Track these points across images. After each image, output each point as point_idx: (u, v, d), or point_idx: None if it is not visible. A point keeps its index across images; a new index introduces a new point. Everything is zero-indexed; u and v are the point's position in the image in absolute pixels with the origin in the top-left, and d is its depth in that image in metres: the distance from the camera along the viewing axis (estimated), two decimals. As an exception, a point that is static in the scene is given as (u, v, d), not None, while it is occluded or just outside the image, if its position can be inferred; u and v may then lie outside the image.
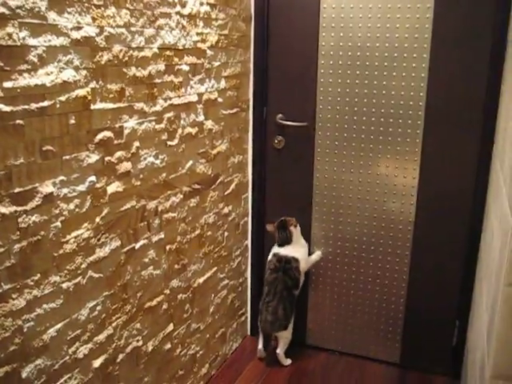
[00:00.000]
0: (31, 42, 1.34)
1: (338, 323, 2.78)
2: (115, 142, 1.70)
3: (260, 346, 2.70)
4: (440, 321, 2.57)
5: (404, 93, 2.37)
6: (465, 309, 2.49)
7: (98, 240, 1.69)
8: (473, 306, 2.38)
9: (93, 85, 1.57)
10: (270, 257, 2.64)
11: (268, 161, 2.72)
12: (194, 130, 2.15)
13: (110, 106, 1.66)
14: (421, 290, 2.56)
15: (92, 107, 1.58)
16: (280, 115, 2.63)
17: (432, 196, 2.44)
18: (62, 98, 1.46)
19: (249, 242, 2.83)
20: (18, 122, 1.33)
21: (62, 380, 1.61)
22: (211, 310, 2.50)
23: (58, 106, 1.45)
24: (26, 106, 1.35)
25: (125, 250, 1.82)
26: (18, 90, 1.32)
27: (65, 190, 1.52)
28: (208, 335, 2.50)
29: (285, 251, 2.58)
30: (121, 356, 1.88)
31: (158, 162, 1.94)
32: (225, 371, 2.66)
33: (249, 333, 2.98)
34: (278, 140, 2.66)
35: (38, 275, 1.47)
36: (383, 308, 2.66)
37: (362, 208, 2.57)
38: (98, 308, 1.73)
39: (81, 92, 1.52)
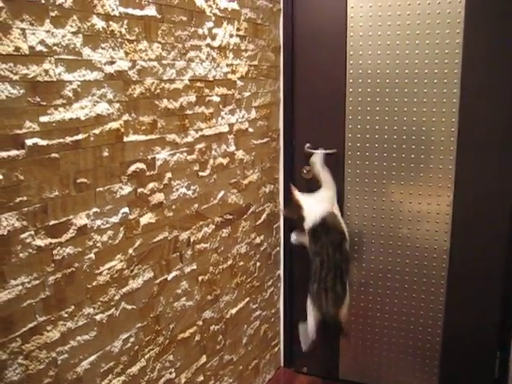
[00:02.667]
0: (66, 77, 1.37)
1: (373, 356, 2.71)
2: (148, 173, 1.71)
3: (312, 334, 2.35)
4: (480, 352, 2.49)
5: (435, 118, 2.34)
6: (506, 339, 2.41)
7: (131, 271, 1.69)
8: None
9: (126, 117, 1.59)
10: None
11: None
12: (225, 161, 2.16)
13: (143, 137, 1.68)
14: (459, 321, 2.48)
15: (125, 139, 1.60)
16: (308, 144, 2.61)
17: (467, 223, 2.39)
18: (96, 131, 1.48)
19: (281, 271, 2.80)
20: (53, 155, 1.36)
21: (95, 413, 1.60)
22: (244, 341, 2.47)
23: (91, 138, 1.47)
24: (61, 140, 1.37)
25: (157, 281, 1.82)
26: (54, 124, 1.34)
27: (98, 222, 1.53)
28: (241, 367, 2.47)
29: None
30: (154, 389, 1.86)
31: (189, 192, 1.95)
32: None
33: (282, 364, 2.93)
34: (306, 170, 2.63)
35: (72, 307, 1.48)
36: (419, 339, 2.58)
37: (394, 237, 2.52)
38: (131, 340, 1.72)
39: (114, 125, 1.55)
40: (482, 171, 2.32)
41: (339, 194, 2.54)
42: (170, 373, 1.95)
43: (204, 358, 2.15)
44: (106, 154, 1.53)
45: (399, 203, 2.48)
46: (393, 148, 2.44)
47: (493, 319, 2.43)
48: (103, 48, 1.49)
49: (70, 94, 1.39)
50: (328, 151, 2.55)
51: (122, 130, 1.58)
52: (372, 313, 2.64)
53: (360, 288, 2.63)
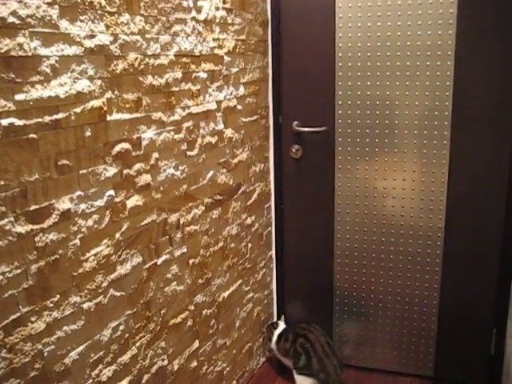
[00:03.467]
0: (43, 51, 1.28)
1: (367, 339, 2.66)
2: (133, 153, 1.63)
3: None
4: (476, 330, 2.45)
5: (429, 93, 2.27)
6: (502, 316, 2.37)
7: (119, 257, 1.61)
8: (511, 312, 2.26)
9: (108, 95, 1.50)
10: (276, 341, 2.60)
11: (285, 171, 2.62)
12: (213, 139, 2.08)
13: (127, 116, 1.59)
14: (454, 299, 2.44)
15: (108, 118, 1.51)
16: (296, 122, 2.52)
17: (462, 200, 2.33)
18: (77, 110, 1.39)
19: (273, 252, 2.74)
20: (31, 135, 1.27)
21: (85, 405, 1.54)
22: (237, 325, 2.42)
23: (72, 117, 1.38)
24: (40, 119, 1.29)
25: (147, 266, 1.75)
26: (31, 103, 1.26)
27: (83, 206, 1.45)
28: (234, 351, 2.42)
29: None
30: (146, 377, 1.80)
31: (178, 173, 1.87)
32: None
33: (276, 346, 2.89)
34: (295, 149, 2.55)
35: (58, 296, 1.40)
36: (414, 320, 2.54)
37: (388, 216, 2.46)
38: (121, 328, 1.66)
39: (96, 103, 1.46)
40: (478, 147, 2.26)
41: (330, 174, 2.48)
42: (163, 360, 1.89)
43: (197, 343, 2.10)
44: (88, 133, 1.44)
45: (392, 181, 2.41)
46: (385, 124, 2.37)
47: (489, 297, 2.39)
48: (82, 21, 1.39)
49: (48, 70, 1.30)
50: (317, 129, 2.47)
51: (105, 108, 1.49)
52: (366, 294, 2.60)
53: (353, 269, 2.58)
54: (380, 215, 2.46)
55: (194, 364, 2.09)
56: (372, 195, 2.46)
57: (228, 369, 2.37)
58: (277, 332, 2.59)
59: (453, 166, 2.31)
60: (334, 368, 2.32)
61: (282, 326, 2.61)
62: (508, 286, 2.34)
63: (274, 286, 2.79)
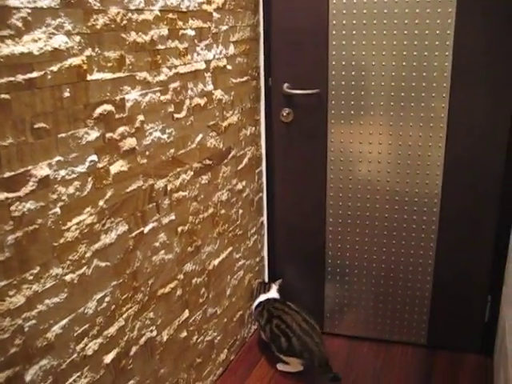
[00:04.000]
0: (12, 2, 1.16)
1: (359, 307, 2.60)
2: (116, 116, 1.53)
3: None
4: (470, 297, 2.41)
5: (428, 53, 2.16)
6: (497, 282, 2.33)
7: (103, 225, 1.53)
8: (506, 279, 2.22)
9: (88, 52, 1.39)
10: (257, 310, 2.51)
11: (275, 136, 2.48)
12: (202, 101, 1.97)
13: (109, 76, 1.48)
14: (449, 266, 2.38)
15: (88, 78, 1.40)
16: (287, 84, 2.39)
17: (460, 165, 2.24)
18: (54, 68, 1.28)
19: (264, 218, 2.67)
20: (3, 96, 1.16)
21: (70, 380, 1.47)
22: (228, 293, 2.36)
23: (49, 77, 1.27)
24: (12, 78, 1.18)
25: (133, 234, 1.67)
26: (1, 60, 1.15)
27: (62, 172, 1.35)
28: (225, 319, 2.36)
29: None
30: (134, 349, 1.74)
31: (165, 136, 1.77)
32: (244, 355, 2.52)
33: (267, 313, 2.84)
34: (285, 113, 2.42)
35: (38, 268, 1.32)
36: (408, 288, 2.48)
37: (382, 182, 2.37)
38: (107, 299, 1.58)
39: (75, 61, 1.35)
40: (478, 109, 2.17)
41: (322, 139, 2.38)
42: (151, 331, 1.82)
43: (186, 313, 2.03)
44: (67, 94, 1.33)
45: (388, 146, 2.31)
46: (381, 86, 2.25)
47: (484, 263, 2.34)
48: (57, -30, 1.27)
49: (19, 24, 1.18)
50: (310, 91, 2.34)
51: (85, 66, 1.38)
52: (359, 261, 2.53)
53: (346, 236, 2.50)
54: (374, 181, 2.37)
55: (184, 334, 2.03)
56: (366, 160, 2.36)
57: (219, 338, 2.32)
58: (262, 297, 2.51)
59: (451, 130, 2.21)
60: (316, 345, 2.25)
61: (272, 293, 2.53)
62: (504, 252, 2.28)
63: (265, 253, 2.73)
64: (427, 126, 2.23)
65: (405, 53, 2.18)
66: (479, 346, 2.46)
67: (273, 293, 2.53)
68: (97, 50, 1.42)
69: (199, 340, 2.15)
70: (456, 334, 2.48)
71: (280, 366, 2.40)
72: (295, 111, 2.42)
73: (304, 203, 2.52)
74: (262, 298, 2.51)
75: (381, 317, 2.57)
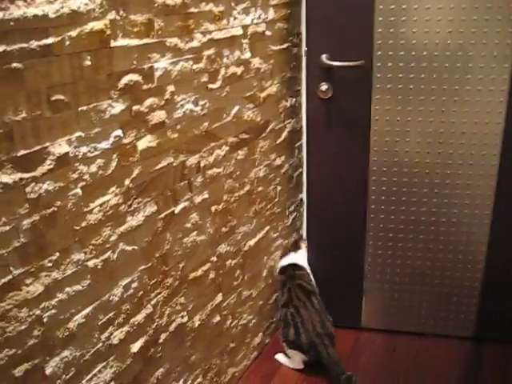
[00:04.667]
0: (25, -42, 1.03)
1: (400, 299, 2.36)
2: (144, 86, 1.39)
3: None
4: None
5: (488, 30, 1.88)
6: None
7: (130, 206, 1.41)
8: None
9: (112, 16, 1.25)
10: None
11: (311, 114, 2.15)
12: (239, 70, 1.82)
13: (136, 42, 1.34)
14: (503, 252, 2.16)
15: (112, 44, 1.26)
16: (325, 55, 2.04)
17: None
18: (73, 33, 1.15)
19: (304, 195, 2.52)
20: (14, 65, 1.04)
21: (95, 371, 1.38)
22: (264, 274, 2.23)
23: (67, 43, 1.14)
24: (25, 45, 1.05)
25: (162, 215, 1.54)
26: (11, 23, 1.01)
27: (84, 149, 1.23)
28: (261, 302, 2.25)
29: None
30: (163, 336, 1.64)
31: (197, 109, 1.63)
32: (280, 339, 2.40)
33: (305, 294, 2.71)
34: (324, 88, 2.08)
35: (57, 254, 1.21)
36: (456, 277, 2.26)
37: (431, 164, 2.12)
38: (134, 285, 1.47)
39: (97, 25, 1.21)
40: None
41: (366, 116, 2.11)
42: (182, 316, 1.72)
43: (220, 297, 1.92)
44: (87, 63, 1.20)
45: (440, 123, 2.05)
46: (434, 56, 1.98)
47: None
48: None
49: (32, -18, 1.05)
50: (352, 63, 2.02)
51: (108, 31, 1.24)
52: (403, 251, 2.27)
53: (389, 223, 2.24)
54: (423, 161, 2.12)
55: (217, 319, 1.92)
56: (415, 139, 2.10)
57: (254, 321, 2.20)
58: (289, 258, 2.32)
59: (510, 116, 1.97)
60: (324, 347, 2.10)
61: (300, 255, 2.33)
62: None
63: (304, 231, 2.58)
64: (485, 102, 1.99)
65: (464, 18, 1.93)
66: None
67: (301, 255, 2.34)
68: (121, 13, 1.27)
69: (233, 324, 2.04)
70: (507, 324, 2.29)
71: (279, 357, 2.27)
72: (335, 86, 2.11)
73: (343, 186, 2.26)
74: (289, 259, 2.32)
75: (424, 309, 2.36)
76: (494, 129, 2.01)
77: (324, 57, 2.05)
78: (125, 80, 1.32)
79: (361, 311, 2.43)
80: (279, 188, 2.26)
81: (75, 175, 1.22)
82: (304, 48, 2.13)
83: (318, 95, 2.10)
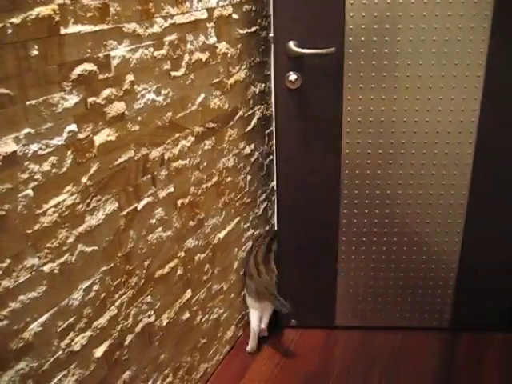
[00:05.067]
0: None
1: (375, 295, 2.28)
2: (100, 76, 1.29)
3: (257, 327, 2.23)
4: (500, 271, 2.18)
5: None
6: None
7: (88, 205, 1.32)
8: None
9: (61, 0, 1.15)
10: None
11: (280, 106, 1.99)
12: (204, 56, 1.73)
13: (89, 28, 1.24)
14: (478, 240, 2.13)
15: (63, 31, 1.16)
16: (293, 42, 1.87)
17: (495, 131, 1.95)
18: (15, 20, 1.04)
19: (275, 183, 2.44)
20: (-51, 57, 0.94)
21: (55, 380, 1.30)
22: (235, 267, 2.17)
23: (9, 31, 1.04)
24: (-40, 34, 0.95)
25: (124, 212, 1.46)
26: None
27: (34, 147, 1.13)
28: (232, 294, 2.18)
29: None
30: (129, 337, 1.56)
31: (160, 98, 1.53)
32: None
33: (278, 284, 2.66)
34: (292, 78, 1.92)
35: (8, 261, 1.12)
36: (432, 269, 2.21)
37: (406, 155, 2.02)
38: (95, 287, 1.39)
39: (43, 10, 1.10)
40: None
41: (337, 108, 1.97)
42: (149, 316, 1.64)
43: (189, 293, 1.85)
44: (35, 52, 1.10)
45: (415, 112, 1.95)
46: (408, 41, 1.86)
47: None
48: None
49: (-33, -36, 0.94)
50: (323, 50, 1.85)
51: (57, 18, 1.14)
52: (377, 239, 2.18)
53: (363, 210, 2.14)
54: (397, 151, 2.02)
55: (187, 315, 1.85)
56: (389, 129, 1.99)
57: (225, 315, 2.14)
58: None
59: (487, 91, 1.90)
60: (257, 271, 2.15)
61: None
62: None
63: (275, 220, 2.52)
64: (461, 88, 1.92)
65: (438, 3, 1.85)
66: (508, 323, 2.27)
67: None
68: (72, -4, 1.17)
69: (203, 319, 1.97)
70: (483, 313, 2.27)
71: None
72: (304, 75, 1.93)
73: (315, 178, 2.12)
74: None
75: (400, 303, 2.30)
76: (469, 116, 1.95)
77: (292, 44, 1.87)
78: (78, 70, 1.22)
79: (335, 309, 2.33)
80: (249, 177, 2.18)
81: (25, 175, 1.12)
82: (270, 34, 2.04)
83: (287, 85, 1.94)
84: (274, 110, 2.10)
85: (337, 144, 2.04)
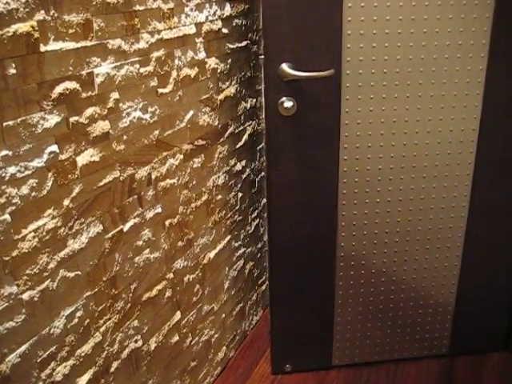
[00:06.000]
0: None
1: (374, 329, 2.16)
2: (83, 95, 1.24)
3: None
4: (496, 295, 2.12)
5: (465, 16, 1.76)
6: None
7: (70, 228, 1.26)
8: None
9: (40, 16, 1.10)
10: None
11: (273, 135, 1.79)
12: (193, 72, 1.68)
13: (72, 45, 1.19)
14: (476, 263, 2.06)
15: (42, 49, 1.11)
16: (285, 64, 1.69)
17: (496, 150, 1.89)
18: (-8, 38, 1.00)
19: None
20: None
21: (35, 413, 1.23)
22: (226, 286, 2.11)
23: (-15, 49, 0.99)
24: None
25: (109, 235, 1.40)
26: None
27: (11, 170, 1.08)
28: (223, 315, 2.12)
29: None
30: (115, 364, 1.50)
31: (147, 116, 1.48)
32: (245, 351, 2.29)
33: (271, 302, 2.60)
34: (286, 105, 1.73)
35: (-17, 290, 1.06)
36: (431, 296, 2.12)
37: (406, 182, 1.91)
38: (79, 314, 1.33)
39: (21, 27, 1.06)
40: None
41: (334, 134, 1.80)
42: (136, 341, 1.58)
43: (178, 315, 1.79)
44: (12, 71, 1.05)
45: (414, 134, 1.85)
46: (408, 60, 1.74)
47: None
48: None
49: None
50: (322, 73, 1.66)
51: (36, 34, 1.09)
52: (375, 278, 2.06)
53: (361, 251, 2.00)
54: (397, 178, 1.90)
55: (176, 338, 1.79)
56: (388, 154, 1.87)
57: (216, 336, 2.08)
58: None
59: (486, 108, 1.85)
60: None
61: None
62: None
63: (267, 237, 2.46)
64: (460, 107, 1.85)
65: (438, 19, 1.78)
66: (504, 343, 2.22)
67: None
68: (52, 12, 1.12)
69: (193, 342, 1.91)
70: (480, 335, 2.21)
71: None
72: (299, 101, 1.76)
73: (311, 212, 1.95)
74: None
75: (399, 335, 2.19)
76: (470, 125, 1.88)
77: (285, 66, 1.69)
78: (59, 89, 1.17)
79: (331, 349, 2.18)
80: (240, 194, 2.13)
81: (2, 199, 1.07)
82: (260, 56, 1.96)
83: (280, 112, 1.76)
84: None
85: (334, 172, 1.88)
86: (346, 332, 2.15)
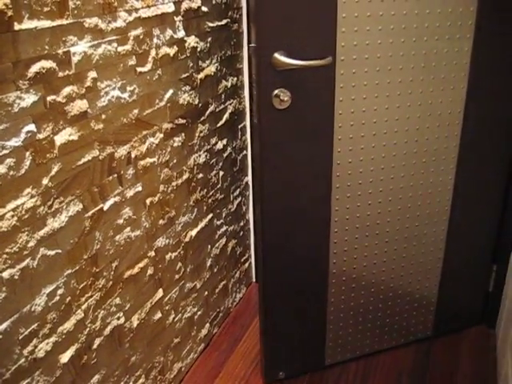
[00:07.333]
0: None
1: (365, 323, 2.13)
2: (60, 74, 1.24)
3: None
4: (475, 269, 2.17)
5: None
6: (504, 252, 2.11)
7: (50, 207, 1.27)
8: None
9: (15, -6, 1.10)
10: None
11: (265, 129, 1.65)
12: (172, 51, 1.68)
13: (47, 24, 1.19)
14: (459, 236, 2.08)
15: (17, 27, 1.11)
16: (278, 53, 1.54)
17: (476, 141, 1.91)
18: (-35, 17, 1.00)
19: (249, 178, 2.41)
20: None
21: (18, 388, 1.26)
22: (208, 264, 2.13)
23: (-42, 28, 0.99)
24: None
25: (89, 213, 1.41)
26: None
27: (-12, 149, 1.09)
28: (206, 292, 2.15)
29: None
30: (98, 341, 1.52)
31: (125, 95, 1.49)
32: (229, 327, 2.33)
33: (254, 279, 2.63)
34: (281, 97, 1.59)
35: (-37, 268, 1.07)
36: (418, 281, 2.12)
37: (397, 171, 1.88)
38: (60, 292, 1.35)
39: (-5, 6, 1.05)
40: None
41: (328, 125, 1.67)
42: (118, 318, 1.60)
43: (160, 293, 1.81)
44: (-13, 50, 1.05)
45: (405, 120, 1.80)
46: (401, 43, 1.67)
47: (490, 232, 2.10)
48: None
49: None
50: (319, 62, 1.53)
51: (9, 12, 1.09)
52: (367, 272, 2.02)
53: (353, 246, 1.96)
54: (388, 165, 1.85)
55: (158, 316, 1.82)
56: (380, 144, 1.81)
57: (199, 313, 2.11)
58: None
59: (470, 93, 1.86)
60: None
61: None
62: (514, 216, 2.06)
63: (250, 215, 2.49)
64: (448, 89, 1.83)
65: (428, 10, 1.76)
66: (480, 317, 2.27)
67: None
68: (27, -9, 1.12)
69: (176, 319, 1.94)
70: (460, 313, 2.24)
71: None
72: (293, 91, 1.62)
73: (304, 212, 1.87)
74: None
75: (388, 326, 2.18)
76: (456, 107, 1.86)
77: (278, 55, 1.54)
78: (35, 68, 1.17)
79: (324, 349, 2.13)
80: (222, 173, 2.15)
81: (-21, 179, 1.08)
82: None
83: (274, 105, 1.61)
84: (247, 101, 2.07)
85: (327, 165, 1.80)
86: (338, 330, 2.11)
